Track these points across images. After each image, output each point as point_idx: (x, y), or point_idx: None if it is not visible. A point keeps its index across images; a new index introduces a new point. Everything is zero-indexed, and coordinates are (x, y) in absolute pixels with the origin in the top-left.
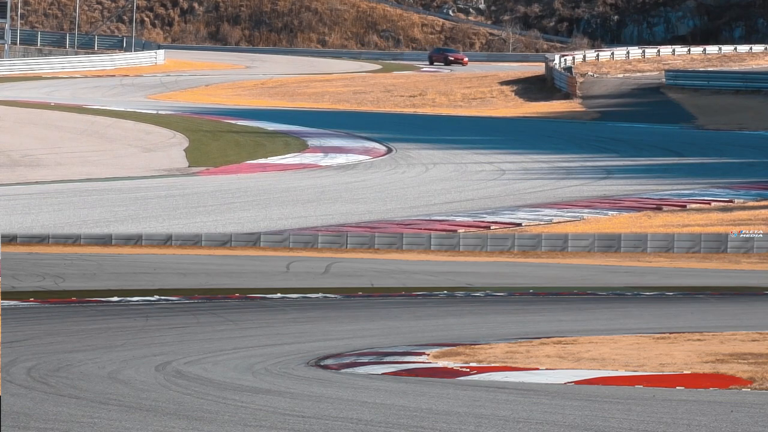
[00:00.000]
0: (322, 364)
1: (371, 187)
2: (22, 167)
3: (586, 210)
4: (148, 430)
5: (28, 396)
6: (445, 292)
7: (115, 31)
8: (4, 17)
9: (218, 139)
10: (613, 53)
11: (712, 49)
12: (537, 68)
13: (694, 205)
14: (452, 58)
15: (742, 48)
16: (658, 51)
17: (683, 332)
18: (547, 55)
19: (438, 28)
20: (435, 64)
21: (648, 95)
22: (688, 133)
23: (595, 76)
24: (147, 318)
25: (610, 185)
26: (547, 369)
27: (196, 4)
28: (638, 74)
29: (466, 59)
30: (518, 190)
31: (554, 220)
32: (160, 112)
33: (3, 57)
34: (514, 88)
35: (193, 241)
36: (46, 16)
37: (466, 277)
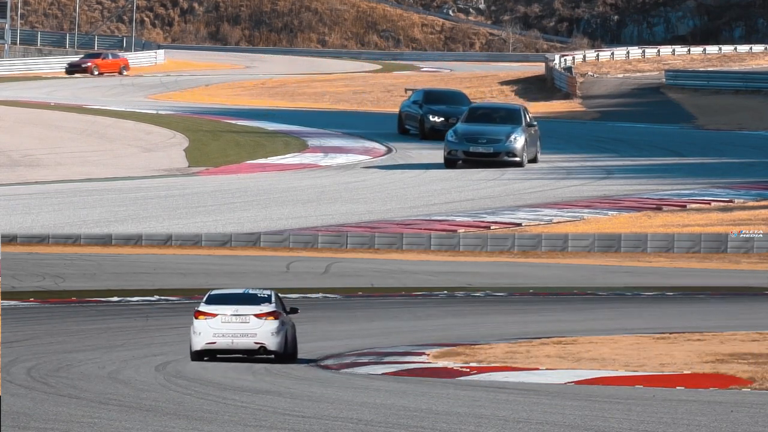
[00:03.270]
0: (322, 364)
1: (371, 187)
2: (22, 167)
3: (586, 210)
4: (148, 430)
5: (28, 396)
6: (445, 292)
7: (115, 31)
8: (4, 17)
9: (218, 139)
10: (613, 53)
11: (712, 49)
12: (537, 68)
13: (694, 205)
14: None
15: (742, 48)
16: (658, 51)
17: (683, 332)
18: (547, 55)
19: (438, 28)
20: None
21: (648, 95)
22: (688, 133)
23: (595, 76)
24: (147, 318)
25: (610, 185)
26: (547, 369)
27: (196, 4)
28: (638, 74)
29: None
30: (518, 190)
31: (554, 220)
32: (160, 112)
33: (3, 57)
34: (514, 88)
35: (193, 241)
36: (46, 16)
37: (466, 277)
